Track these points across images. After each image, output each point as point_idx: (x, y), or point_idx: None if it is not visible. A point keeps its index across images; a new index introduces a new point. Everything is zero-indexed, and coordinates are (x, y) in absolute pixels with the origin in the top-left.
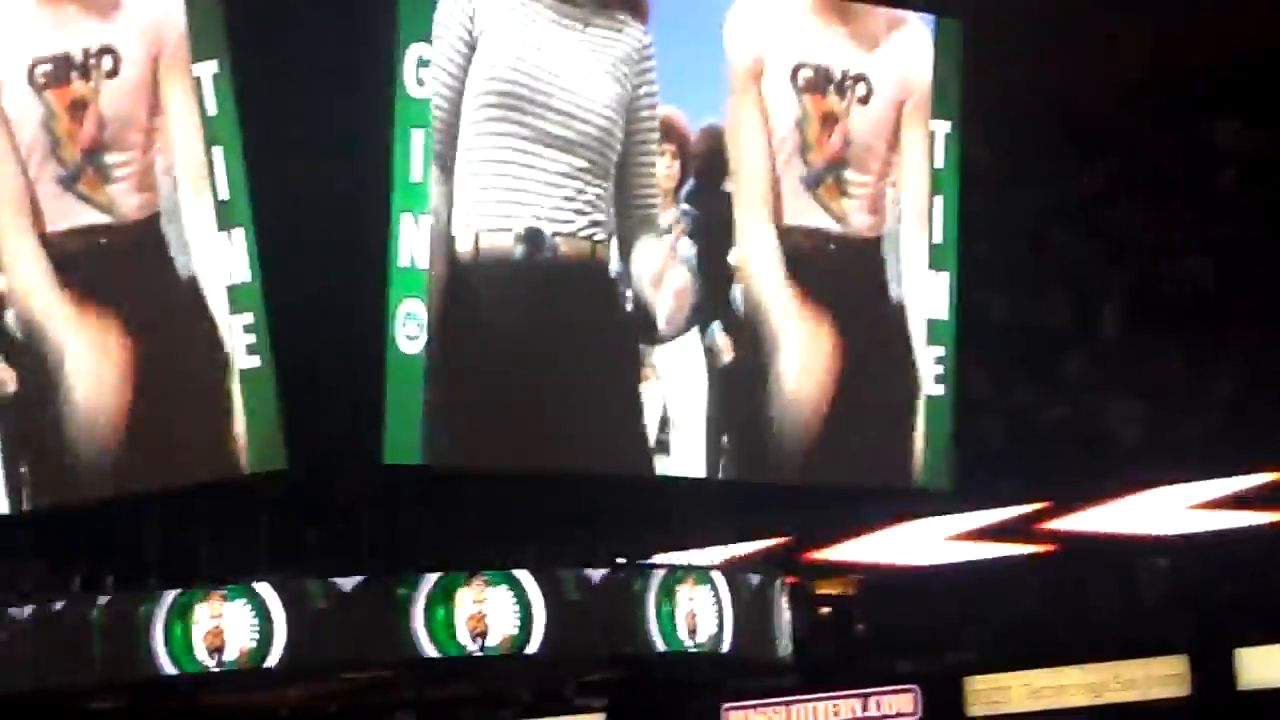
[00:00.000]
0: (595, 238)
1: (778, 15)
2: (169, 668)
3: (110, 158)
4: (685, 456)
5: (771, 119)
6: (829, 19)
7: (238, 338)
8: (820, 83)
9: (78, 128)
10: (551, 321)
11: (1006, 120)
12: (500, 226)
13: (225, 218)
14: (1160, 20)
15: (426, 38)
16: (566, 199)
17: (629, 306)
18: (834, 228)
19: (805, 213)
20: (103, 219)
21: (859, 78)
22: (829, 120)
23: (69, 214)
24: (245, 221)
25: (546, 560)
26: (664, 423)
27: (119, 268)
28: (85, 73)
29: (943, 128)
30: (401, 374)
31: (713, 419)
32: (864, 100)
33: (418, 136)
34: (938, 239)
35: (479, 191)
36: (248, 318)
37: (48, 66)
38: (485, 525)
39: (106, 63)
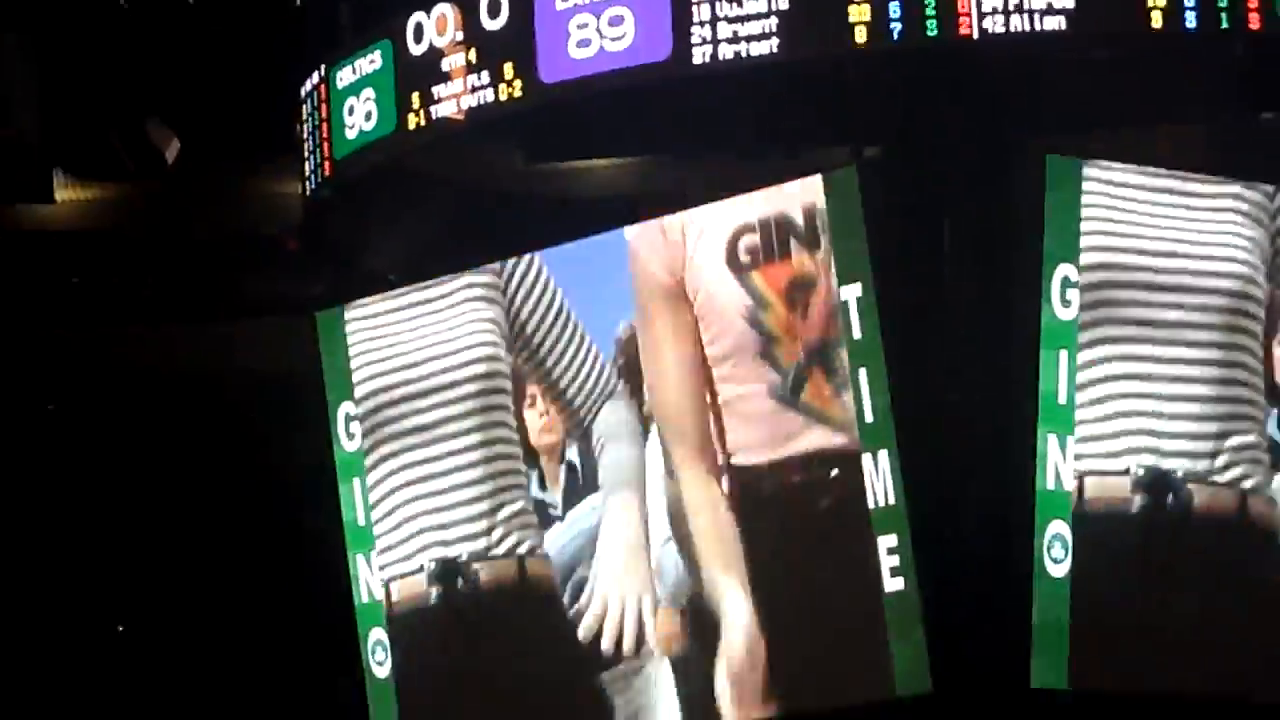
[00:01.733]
0: (1244, 483)
1: None
2: None
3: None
4: None
5: None
6: None
7: (883, 560)
8: None
9: (797, 317)
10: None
11: None
12: (1111, 469)
13: (870, 439)
14: None
15: (1073, 259)
16: (1197, 416)
17: None
18: None
19: None
20: (834, 440)
21: None
22: None
23: (783, 439)
24: (890, 443)
25: None
26: None
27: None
28: (809, 236)
29: None
30: (1048, 597)
31: None
32: None
33: (1063, 358)
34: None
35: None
36: (892, 540)
37: (753, 238)
38: None
39: None
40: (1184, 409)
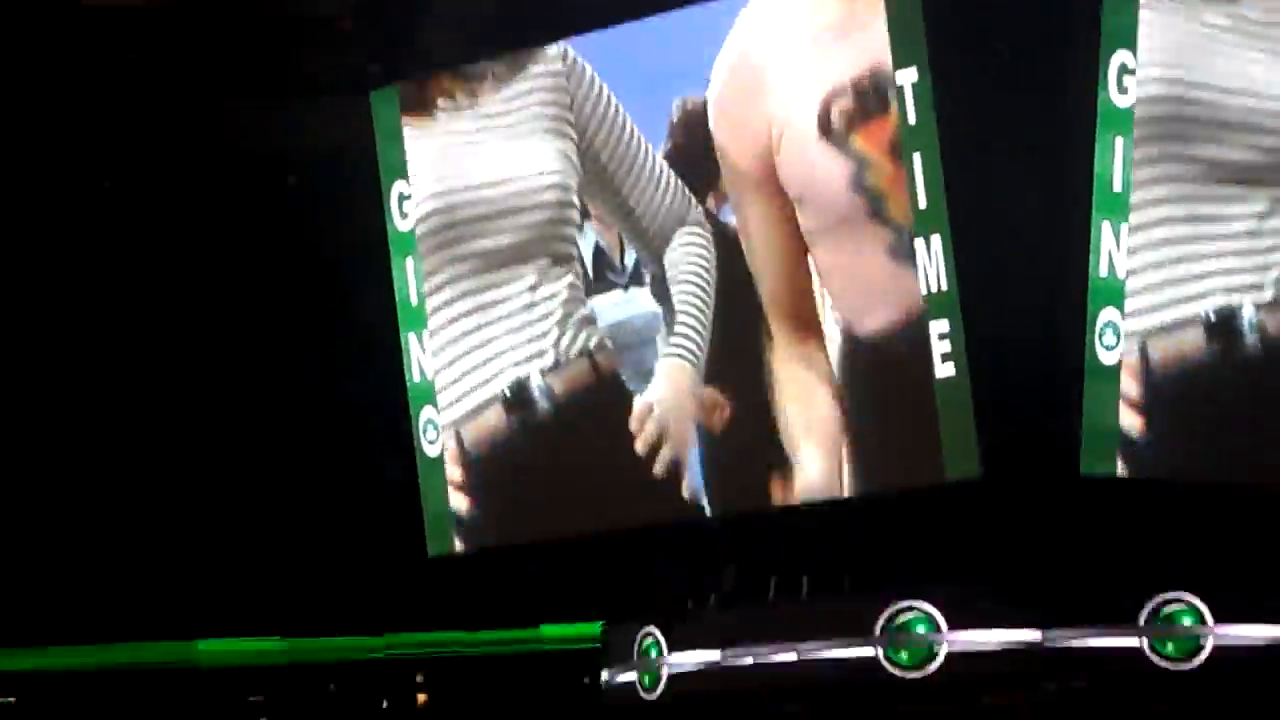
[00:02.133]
0: None
1: None
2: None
3: None
4: None
5: None
6: None
7: (934, 346)
8: None
9: (900, 169)
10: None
11: None
12: (1178, 319)
13: (923, 225)
14: None
15: (1130, 45)
16: (1263, 249)
17: None
18: None
19: None
20: None
21: None
22: None
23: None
24: (943, 229)
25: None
26: None
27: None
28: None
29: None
30: (1100, 384)
31: None
32: None
33: (1119, 144)
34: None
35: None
36: (944, 325)
37: (845, 100)
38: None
39: None
40: (1249, 245)
